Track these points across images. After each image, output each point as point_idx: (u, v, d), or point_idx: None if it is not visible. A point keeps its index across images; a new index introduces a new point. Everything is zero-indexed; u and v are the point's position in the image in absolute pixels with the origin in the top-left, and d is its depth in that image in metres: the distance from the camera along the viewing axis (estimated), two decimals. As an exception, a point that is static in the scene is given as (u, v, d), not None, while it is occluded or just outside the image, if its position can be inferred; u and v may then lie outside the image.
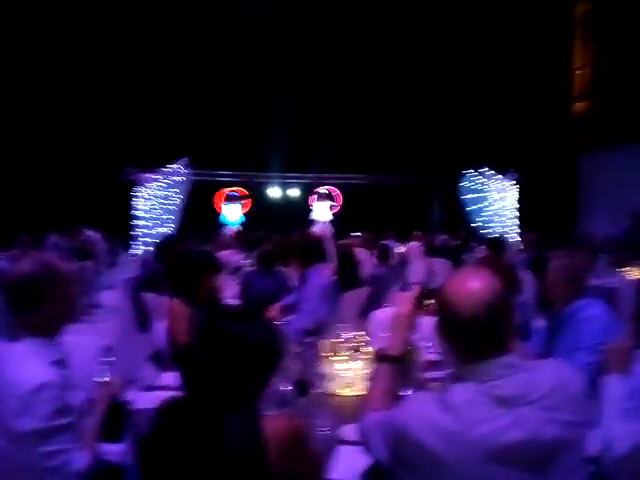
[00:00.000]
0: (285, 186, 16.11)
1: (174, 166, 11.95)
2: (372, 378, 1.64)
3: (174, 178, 11.94)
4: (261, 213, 15.55)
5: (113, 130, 13.68)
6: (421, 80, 15.18)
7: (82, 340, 2.57)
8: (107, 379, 2.04)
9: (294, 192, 16.13)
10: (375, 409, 1.53)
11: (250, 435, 1.35)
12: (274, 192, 15.96)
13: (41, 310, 1.82)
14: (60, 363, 1.85)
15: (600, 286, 6.13)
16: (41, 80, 13.18)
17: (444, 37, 14.98)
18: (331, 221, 14.05)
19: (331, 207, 15.43)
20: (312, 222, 13.63)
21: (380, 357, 1.64)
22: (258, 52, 14.35)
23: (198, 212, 13.63)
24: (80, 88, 13.56)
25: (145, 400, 2.23)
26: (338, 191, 16.08)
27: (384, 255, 6.46)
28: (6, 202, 12.29)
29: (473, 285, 1.34)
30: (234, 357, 1.40)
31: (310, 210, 15.31)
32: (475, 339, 1.33)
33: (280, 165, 15.20)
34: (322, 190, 15.39)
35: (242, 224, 14.80)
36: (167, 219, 11.70)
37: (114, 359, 2.10)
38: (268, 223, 13.62)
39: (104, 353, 2.11)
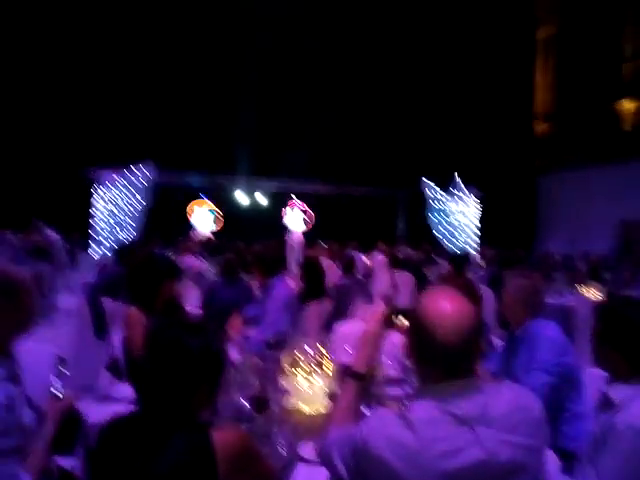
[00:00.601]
0: (252, 192, 16.03)
1: (137, 169, 11.67)
2: (336, 394, 1.66)
3: (136, 180, 11.64)
4: (227, 218, 15.44)
5: (77, 127, 13.36)
6: (391, 95, 15.43)
7: (37, 348, 2.49)
8: (60, 393, 1.97)
9: (261, 198, 16.06)
10: (338, 425, 1.53)
11: (199, 448, 1.34)
12: (241, 197, 15.84)
13: None
14: (12, 379, 1.77)
15: (557, 305, 6.33)
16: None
17: (412, 55, 15.27)
18: (303, 232, 14.10)
19: (304, 221, 15.39)
20: (287, 230, 13.68)
21: (345, 373, 1.66)
22: (228, 57, 14.31)
23: (164, 215, 13.40)
24: (44, 82, 13.21)
25: (99, 412, 2.17)
26: (311, 212, 15.98)
27: (349, 266, 6.41)
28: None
29: (452, 311, 1.35)
30: (180, 367, 1.40)
31: (277, 217, 15.27)
32: (449, 363, 1.35)
33: (247, 170, 15.13)
34: (298, 202, 15.37)
35: (212, 232, 14.66)
36: (127, 223, 11.41)
37: (67, 373, 2.03)
38: (234, 229, 13.54)
39: (59, 365, 2.03)
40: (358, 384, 1.62)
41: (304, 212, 15.37)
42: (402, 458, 1.27)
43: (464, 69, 15.34)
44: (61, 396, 1.94)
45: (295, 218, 14.62)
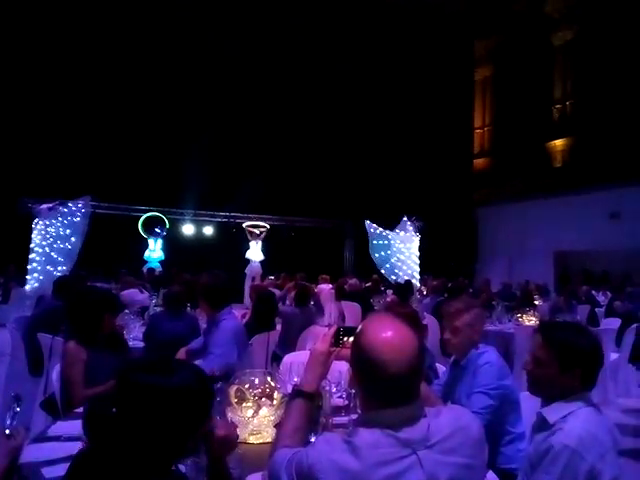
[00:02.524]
0: (198, 224, 15.85)
1: (73, 204, 11.30)
2: (285, 413, 1.64)
3: (75, 213, 11.26)
4: (173, 250, 15.16)
5: (18, 159, 12.93)
6: (336, 129, 15.83)
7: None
8: (11, 431, 1.88)
9: (208, 230, 15.89)
10: (286, 445, 1.52)
11: None
12: (187, 229, 15.63)
13: None
14: None
15: (496, 331, 6.55)
16: None
17: (357, 93, 15.78)
18: (261, 261, 13.99)
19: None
20: (247, 261, 13.56)
21: (295, 393, 1.66)
22: (176, 89, 14.32)
23: (107, 248, 13.02)
24: None
25: (36, 452, 2.07)
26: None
27: (304, 298, 6.16)
28: None
29: (396, 339, 1.36)
30: (155, 411, 1.26)
31: (224, 249, 15.10)
32: (396, 391, 1.35)
33: (194, 203, 15.00)
34: (256, 230, 15.15)
35: (161, 262, 14.32)
36: (65, 256, 10.96)
37: (18, 409, 1.94)
38: (181, 261, 13.31)
39: (14, 403, 1.94)
40: (307, 404, 1.62)
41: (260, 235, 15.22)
42: None
43: (408, 107, 15.98)
44: (14, 434, 1.86)
45: (255, 249, 14.50)
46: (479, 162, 19.37)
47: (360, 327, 1.46)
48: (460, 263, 15.37)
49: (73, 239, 10.95)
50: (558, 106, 16.93)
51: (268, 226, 14.76)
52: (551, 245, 15.63)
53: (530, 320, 7.01)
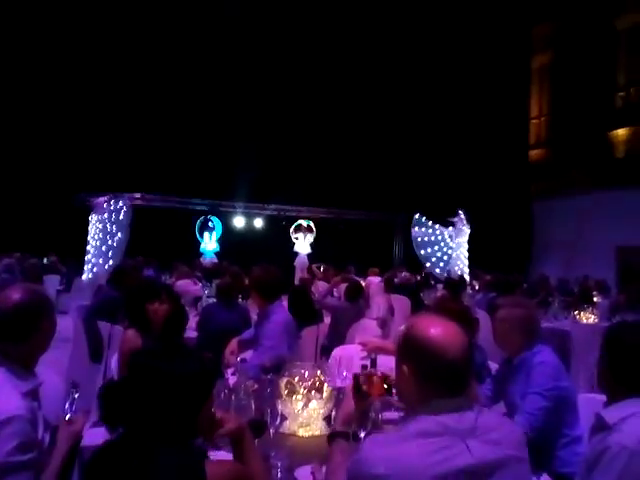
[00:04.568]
0: (249, 216, 16.08)
1: (116, 201, 11.70)
2: (330, 458, 1.72)
3: (117, 212, 11.65)
4: (224, 243, 15.47)
5: (74, 155, 13.51)
6: (389, 122, 15.63)
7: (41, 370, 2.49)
8: (71, 416, 1.98)
9: (258, 223, 16.11)
10: None
11: (191, 473, 1.33)
12: (238, 222, 15.89)
13: (29, 340, 1.81)
14: (32, 394, 1.81)
15: (552, 329, 6.33)
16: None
17: (411, 82, 15.51)
18: (308, 254, 14.11)
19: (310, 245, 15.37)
20: (296, 254, 13.71)
21: (332, 437, 1.78)
22: (227, 84, 14.52)
23: (161, 240, 13.43)
24: (36, 111, 13.42)
25: (96, 437, 2.16)
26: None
27: (355, 293, 6.01)
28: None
29: (451, 330, 1.47)
30: (157, 389, 1.40)
31: (273, 243, 15.27)
32: (451, 378, 1.43)
33: (245, 196, 15.22)
34: (304, 223, 15.36)
35: (216, 254, 14.67)
36: (111, 251, 11.39)
37: (77, 395, 2.04)
38: (231, 253, 13.57)
39: (72, 389, 2.05)
40: (346, 442, 1.74)
41: (309, 228, 15.33)
42: (397, 472, 1.32)
43: (461, 97, 15.58)
44: (72, 420, 1.96)
45: (302, 242, 14.64)
46: (535, 153, 18.73)
47: (408, 325, 1.53)
48: (514, 258, 14.92)
49: (119, 235, 11.39)
50: (621, 93, 16.12)
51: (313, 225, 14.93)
52: (613, 240, 14.94)
53: (588, 318, 6.75)
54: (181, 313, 3.18)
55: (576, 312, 6.92)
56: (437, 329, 1.46)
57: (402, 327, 1.57)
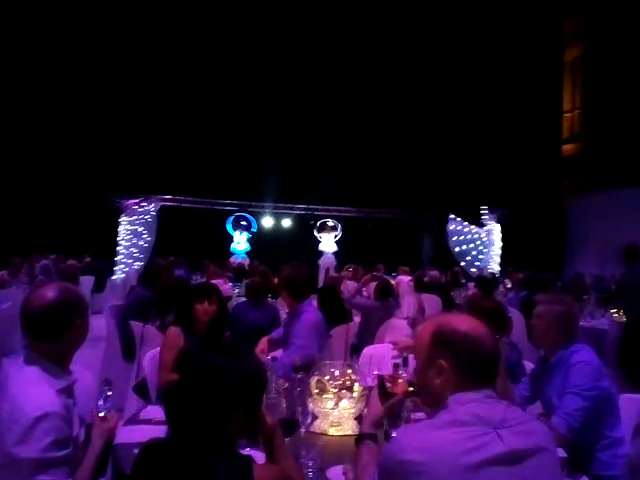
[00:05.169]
0: (277, 216, 16.14)
1: (147, 203, 11.89)
2: (357, 459, 1.70)
3: (146, 214, 11.83)
4: (253, 243, 15.57)
5: (105, 158, 13.79)
6: (417, 119, 15.49)
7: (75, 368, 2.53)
8: (105, 414, 2.01)
9: (286, 222, 16.16)
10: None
11: (242, 477, 1.31)
12: (267, 222, 15.98)
13: (63, 338, 1.84)
14: (67, 391, 1.83)
15: (588, 327, 6.16)
16: (35, 109, 13.37)
17: (439, 78, 15.33)
18: (334, 253, 14.06)
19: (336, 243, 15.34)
20: (320, 253, 13.67)
21: (361, 439, 1.75)
22: (255, 83, 14.61)
23: (193, 239, 13.61)
24: (71, 116, 13.75)
25: (129, 434, 2.18)
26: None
27: (385, 292, 5.98)
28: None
29: (481, 324, 1.53)
30: (215, 391, 1.35)
31: (302, 242, 15.30)
32: (488, 368, 1.49)
33: (273, 196, 15.29)
34: (330, 222, 15.36)
35: (247, 253, 14.78)
36: (140, 252, 11.56)
37: (110, 393, 2.07)
38: (260, 253, 13.64)
39: (105, 387, 2.08)
40: (374, 443, 1.73)
41: (334, 227, 15.31)
42: (430, 459, 1.32)
43: (492, 91, 15.32)
44: (106, 417, 1.98)
45: (328, 240, 14.62)
46: (568, 148, 18.26)
47: (435, 322, 1.56)
48: (547, 255, 14.59)
49: (146, 236, 11.56)
50: (658, 85, 15.58)
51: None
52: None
53: (623, 315, 6.53)
54: (226, 314, 3.18)
55: (613, 311, 6.72)
56: (467, 322, 1.52)
57: (423, 327, 1.58)
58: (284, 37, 14.34)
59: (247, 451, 1.87)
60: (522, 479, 1.36)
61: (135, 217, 11.53)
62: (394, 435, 1.49)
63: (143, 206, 11.76)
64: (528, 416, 1.55)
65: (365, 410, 2.34)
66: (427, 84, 15.35)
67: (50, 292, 1.86)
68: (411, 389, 1.86)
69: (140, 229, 11.52)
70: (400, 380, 1.91)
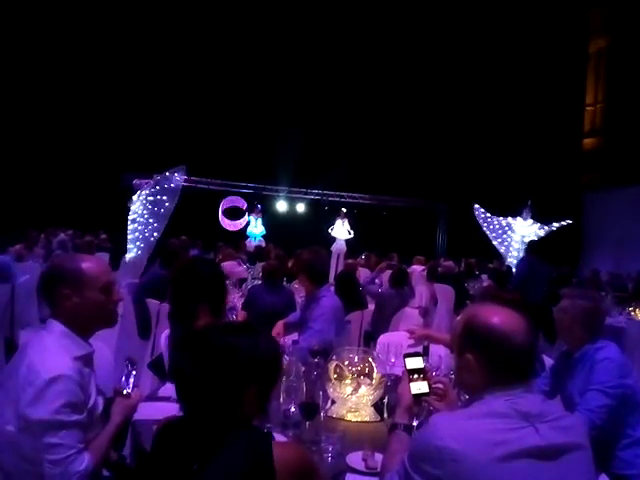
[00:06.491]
0: (292, 201, 16.11)
1: (168, 173, 11.80)
2: (389, 445, 1.69)
3: (168, 182, 11.72)
4: (267, 226, 15.56)
5: (120, 136, 13.81)
6: (435, 107, 15.31)
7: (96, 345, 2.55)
8: (128, 391, 2.01)
9: (300, 207, 16.13)
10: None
11: (259, 453, 1.30)
12: (281, 206, 15.96)
13: (61, 307, 1.84)
14: (84, 360, 1.84)
15: (606, 325, 6.08)
16: (48, 91, 13.45)
17: (459, 68, 15.13)
18: (347, 240, 14.00)
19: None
20: (333, 239, 13.62)
21: (393, 429, 1.74)
22: (273, 67, 14.51)
23: (208, 221, 13.64)
24: (87, 94, 13.79)
25: (145, 411, 2.19)
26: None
27: (400, 280, 5.97)
28: (12, 200, 12.40)
29: (515, 318, 1.47)
30: (227, 368, 1.34)
31: (315, 228, 15.23)
32: (519, 364, 1.44)
33: (288, 180, 15.25)
34: (343, 209, 15.26)
35: (263, 237, 14.75)
36: (157, 219, 11.46)
37: (134, 372, 2.07)
38: (273, 237, 13.65)
39: (128, 364, 2.09)
40: (407, 435, 1.72)
41: (347, 214, 15.19)
42: (466, 447, 1.32)
43: (514, 81, 15.10)
44: (128, 394, 2.00)
45: (340, 227, 14.54)
46: (589, 142, 17.98)
47: (468, 314, 1.54)
48: (564, 251, 14.43)
49: (167, 203, 11.41)
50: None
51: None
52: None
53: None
54: None
55: (630, 308, 6.64)
56: (499, 317, 1.46)
57: (460, 317, 1.56)
58: (301, 23, 14.18)
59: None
60: (556, 475, 1.34)
61: (154, 188, 11.44)
62: (429, 421, 1.46)
63: (167, 176, 11.65)
64: (563, 410, 1.53)
65: (386, 399, 2.34)
66: (448, 73, 15.16)
67: (52, 260, 1.96)
68: (422, 390, 1.79)
69: (162, 197, 11.38)
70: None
